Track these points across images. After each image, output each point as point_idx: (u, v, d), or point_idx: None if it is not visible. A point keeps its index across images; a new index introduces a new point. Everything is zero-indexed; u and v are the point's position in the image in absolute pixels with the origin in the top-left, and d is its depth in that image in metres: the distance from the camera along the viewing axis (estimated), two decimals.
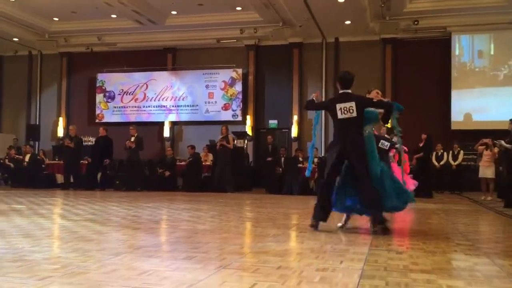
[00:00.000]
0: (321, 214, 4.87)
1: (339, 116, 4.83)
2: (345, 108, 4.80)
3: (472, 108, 14.94)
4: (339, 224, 5.12)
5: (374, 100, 4.97)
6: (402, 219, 6.34)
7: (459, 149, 13.87)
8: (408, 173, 6.64)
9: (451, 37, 15.14)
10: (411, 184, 6.91)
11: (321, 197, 4.92)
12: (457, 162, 13.72)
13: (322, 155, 14.28)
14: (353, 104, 4.79)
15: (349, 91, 4.94)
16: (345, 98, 4.87)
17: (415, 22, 14.69)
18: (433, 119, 14.76)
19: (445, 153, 13.80)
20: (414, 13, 14.47)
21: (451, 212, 7.76)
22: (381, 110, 5.05)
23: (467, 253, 3.77)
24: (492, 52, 15.18)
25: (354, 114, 4.78)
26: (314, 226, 4.87)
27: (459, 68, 15.28)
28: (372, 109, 4.98)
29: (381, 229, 4.67)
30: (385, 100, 5.10)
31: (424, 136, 11.89)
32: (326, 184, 4.90)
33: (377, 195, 4.70)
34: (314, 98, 5.24)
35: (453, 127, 14.91)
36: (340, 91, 4.98)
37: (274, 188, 12.49)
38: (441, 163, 13.61)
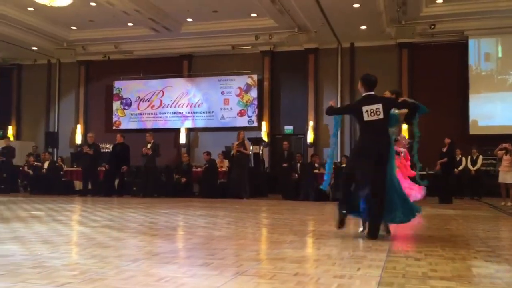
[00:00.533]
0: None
1: (366, 118, 4.78)
2: (371, 110, 4.75)
3: (483, 113, 14.78)
4: (361, 229, 5.09)
5: (399, 100, 4.90)
6: (420, 225, 6.27)
7: (477, 154, 13.67)
8: (413, 177, 6.46)
9: (468, 41, 14.99)
10: (418, 192, 6.75)
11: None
12: (476, 167, 13.53)
13: (338, 160, 14.23)
14: (379, 106, 4.75)
15: (373, 93, 4.91)
16: (371, 100, 4.83)
17: (432, 26, 14.56)
18: (451, 124, 14.58)
19: (463, 158, 13.62)
20: (430, 17, 14.36)
21: (471, 218, 7.64)
22: (404, 110, 5.00)
23: (488, 260, 3.70)
24: (500, 55, 15.06)
25: (381, 116, 4.74)
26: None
27: (474, 72, 15.15)
28: (392, 112, 4.94)
29: (369, 234, 4.73)
30: (410, 100, 5.02)
31: (448, 140, 11.60)
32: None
33: (382, 206, 4.69)
34: (332, 105, 5.26)
35: (472, 131, 14.72)
36: (364, 94, 4.93)
37: (290, 194, 12.46)
38: (460, 168, 13.42)
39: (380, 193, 4.69)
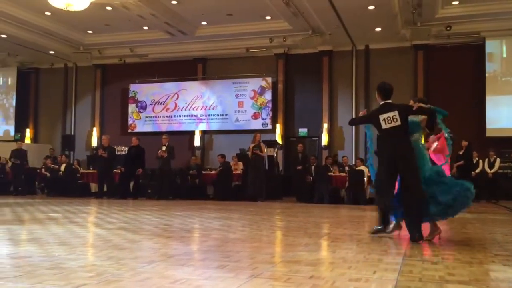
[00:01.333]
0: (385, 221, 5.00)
1: (383, 126, 4.91)
2: (388, 118, 4.87)
3: (500, 115, 14.59)
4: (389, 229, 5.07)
5: (414, 108, 4.87)
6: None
7: (495, 156, 13.48)
8: None
9: (485, 42, 14.82)
10: None
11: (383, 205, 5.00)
12: (493, 170, 13.34)
13: (353, 163, 14.16)
14: (396, 113, 4.86)
15: (390, 101, 5.02)
16: (387, 108, 4.94)
17: (448, 28, 14.41)
18: (467, 126, 14.37)
19: (480, 161, 13.45)
20: (446, 19, 14.21)
21: (488, 221, 7.54)
22: (424, 117, 4.98)
23: (506, 263, 3.65)
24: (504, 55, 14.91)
25: (398, 123, 4.85)
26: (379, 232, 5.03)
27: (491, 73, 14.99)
28: (412, 118, 4.94)
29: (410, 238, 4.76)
30: (425, 106, 4.97)
31: (465, 143, 11.45)
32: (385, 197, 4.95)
33: (422, 208, 4.70)
34: (361, 115, 5.37)
35: (489, 134, 14.52)
36: (381, 102, 5.03)
37: (304, 196, 12.42)
38: (477, 171, 13.25)
39: (415, 194, 4.72)
